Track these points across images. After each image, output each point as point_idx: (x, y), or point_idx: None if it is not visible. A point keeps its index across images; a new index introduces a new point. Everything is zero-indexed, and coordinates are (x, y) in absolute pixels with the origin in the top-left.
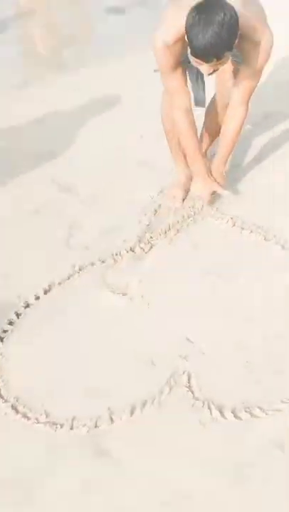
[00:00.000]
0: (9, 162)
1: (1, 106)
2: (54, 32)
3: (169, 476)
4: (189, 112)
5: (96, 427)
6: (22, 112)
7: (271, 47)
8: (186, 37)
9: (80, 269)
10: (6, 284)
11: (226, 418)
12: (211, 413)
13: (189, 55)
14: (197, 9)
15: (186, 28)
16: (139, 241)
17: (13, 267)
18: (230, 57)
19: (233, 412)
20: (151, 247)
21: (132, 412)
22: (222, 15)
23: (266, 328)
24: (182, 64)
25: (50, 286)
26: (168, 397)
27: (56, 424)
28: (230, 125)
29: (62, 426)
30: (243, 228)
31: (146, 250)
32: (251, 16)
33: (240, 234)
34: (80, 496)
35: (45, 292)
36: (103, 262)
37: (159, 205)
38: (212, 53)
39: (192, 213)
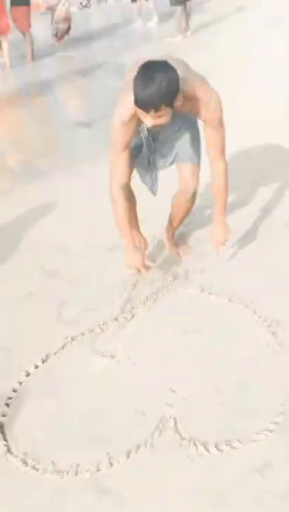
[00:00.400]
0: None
1: None
2: (27, 146)
3: (163, 509)
4: (125, 188)
5: (98, 470)
6: (6, 213)
7: (220, 102)
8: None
9: (72, 340)
10: (8, 358)
11: (209, 452)
12: (196, 449)
13: (135, 106)
14: (142, 67)
15: (134, 92)
16: (122, 311)
17: (12, 342)
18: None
19: (215, 446)
20: (132, 316)
21: (128, 455)
22: (162, 73)
23: (236, 375)
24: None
25: (47, 356)
26: (158, 439)
27: (62, 472)
28: (217, 180)
29: (68, 473)
30: (210, 293)
31: (128, 319)
32: (195, 80)
33: (208, 298)
34: None
35: (43, 361)
36: (92, 331)
37: (137, 280)
38: (151, 104)
39: (165, 285)
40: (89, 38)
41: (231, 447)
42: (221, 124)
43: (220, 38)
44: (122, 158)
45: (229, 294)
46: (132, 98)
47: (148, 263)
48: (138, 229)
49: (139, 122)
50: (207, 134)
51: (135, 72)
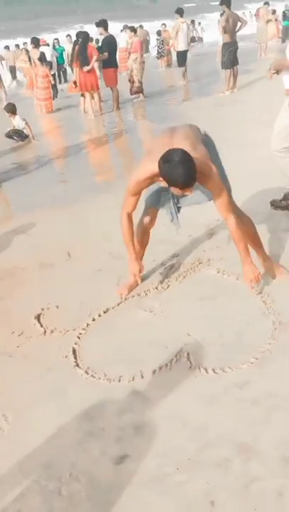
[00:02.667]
0: None
1: None
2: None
3: (174, 404)
4: (130, 216)
5: (133, 380)
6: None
7: (217, 174)
8: (162, 178)
9: (125, 299)
10: (82, 308)
11: (208, 373)
12: (200, 371)
13: (170, 188)
14: (164, 160)
15: (162, 176)
16: (160, 283)
17: (86, 298)
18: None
19: (212, 369)
20: (168, 286)
21: (154, 372)
22: (186, 163)
23: (233, 327)
24: (161, 193)
25: (107, 309)
26: (175, 364)
27: (110, 379)
28: (232, 233)
29: (114, 380)
30: (223, 273)
31: (164, 288)
32: (200, 158)
33: (222, 277)
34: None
35: (104, 312)
36: (139, 295)
37: (173, 264)
38: (188, 184)
39: (193, 267)
40: (160, 92)
41: (223, 371)
42: (221, 188)
43: (258, 94)
44: (134, 198)
45: (236, 274)
46: (151, 167)
47: (139, 278)
48: (142, 255)
49: (152, 181)
50: (214, 198)
51: (157, 144)
